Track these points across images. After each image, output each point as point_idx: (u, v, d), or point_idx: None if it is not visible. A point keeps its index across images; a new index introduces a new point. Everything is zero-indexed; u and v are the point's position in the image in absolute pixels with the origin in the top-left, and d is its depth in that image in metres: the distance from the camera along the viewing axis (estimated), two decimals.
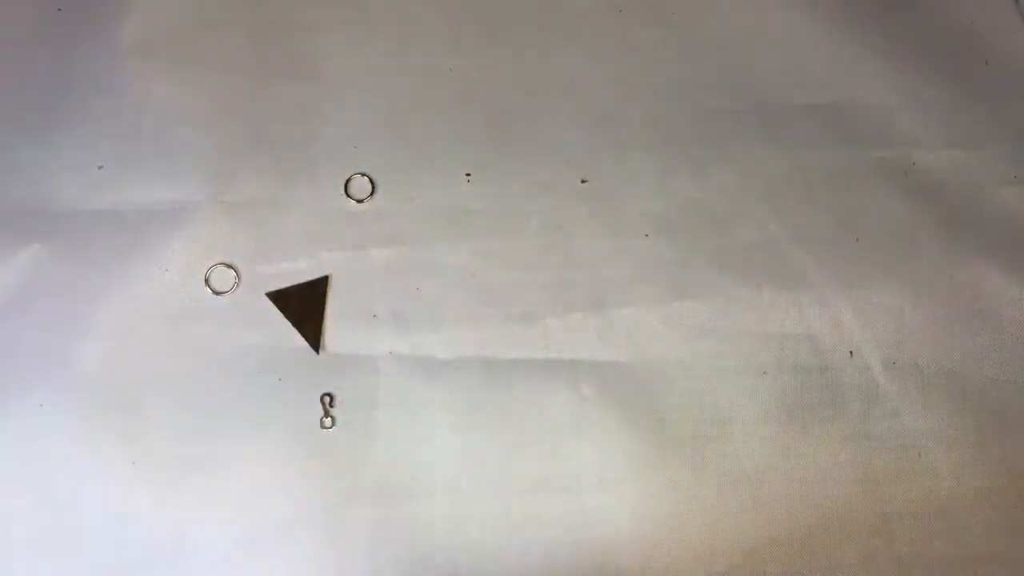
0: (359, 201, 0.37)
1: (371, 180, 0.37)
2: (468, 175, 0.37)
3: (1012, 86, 0.39)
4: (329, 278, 0.36)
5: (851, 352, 0.35)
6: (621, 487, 0.33)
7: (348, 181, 0.37)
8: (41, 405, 0.34)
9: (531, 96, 0.38)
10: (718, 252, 0.36)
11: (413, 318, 0.35)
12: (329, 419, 0.34)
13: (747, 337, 0.35)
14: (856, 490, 0.34)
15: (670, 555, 0.33)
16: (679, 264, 0.36)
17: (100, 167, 0.37)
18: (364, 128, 0.37)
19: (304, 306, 0.35)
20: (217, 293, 0.35)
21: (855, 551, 0.34)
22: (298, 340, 0.35)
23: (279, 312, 0.35)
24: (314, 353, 0.35)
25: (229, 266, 0.36)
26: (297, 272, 0.36)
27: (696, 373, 0.35)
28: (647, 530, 0.33)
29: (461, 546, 0.33)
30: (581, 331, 0.35)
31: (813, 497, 0.34)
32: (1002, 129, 0.38)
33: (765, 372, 0.35)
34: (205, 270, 0.35)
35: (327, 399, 0.34)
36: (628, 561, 0.33)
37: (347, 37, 0.38)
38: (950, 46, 0.39)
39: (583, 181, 0.37)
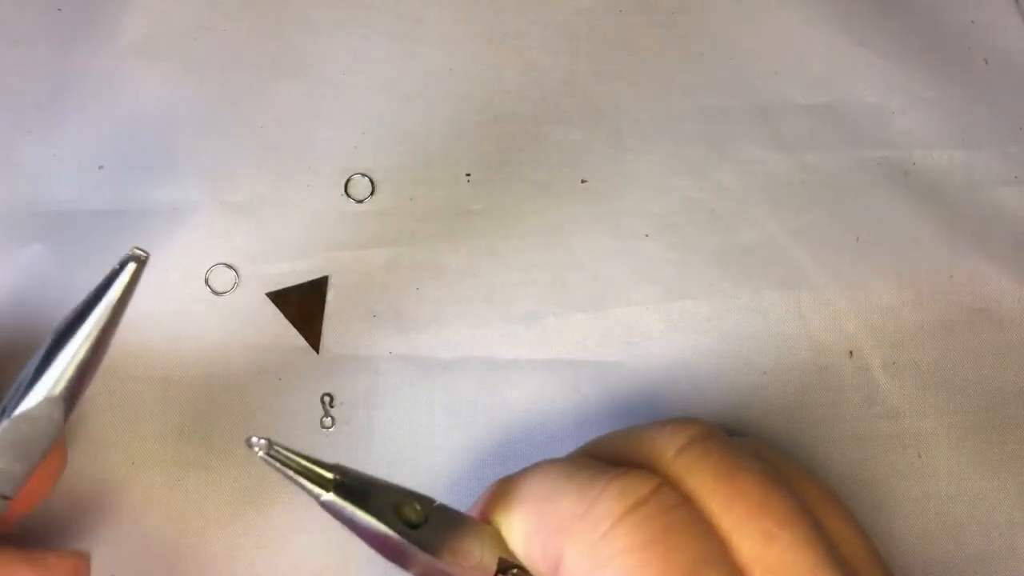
0: (359, 201, 0.37)
1: (371, 180, 0.37)
2: (468, 175, 0.37)
3: (1012, 86, 0.39)
4: (329, 278, 0.36)
5: (851, 352, 0.35)
6: None
7: (348, 181, 0.37)
8: None
9: (531, 96, 0.38)
10: (718, 252, 0.36)
11: (413, 318, 0.35)
12: (329, 419, 0.34)
13: (747, 337, 0.35)
14: (856, 490, 0.34)
15: None
16: (679, 264, 0.36)
17: (100, 167, 0.37)
18: (364, 128, 0.37)
19: (304, 306, 0.35)
20: (217, 293, 0.35)
21: None
22: (298, 340, 0.35)
23: (279, 312, 0.35)
24: (314, 353, 0.35)
25: (229, 266, 0.36)
26: (297, 272, 0.36)
27: (696, 373, 0.35)
28: None
29: None
30: (581, 331, 0.35)
31: None
32: (1002, 129, 0.38)
33: (765, 372, 0.35)
34: (205, 270, 0.35)
35: (327, 399, 0.35)
36: None
37: (347, 37, 0.38)
38: (950, 46, 0.39)
39: (583, 181, 0.37)
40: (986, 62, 0.39)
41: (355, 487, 0.24)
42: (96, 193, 0.36)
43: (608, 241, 0.36)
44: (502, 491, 0.27)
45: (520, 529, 0.26)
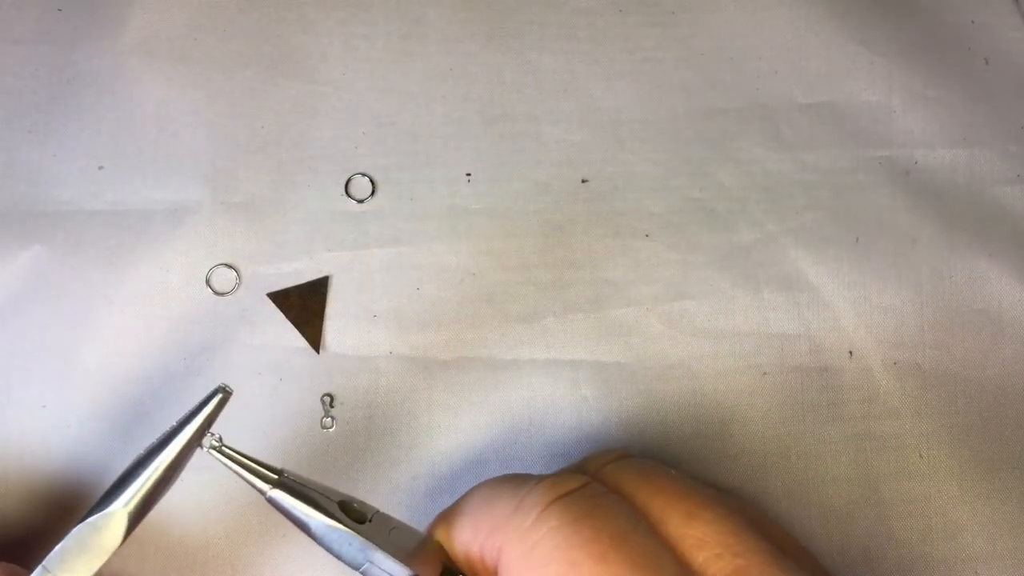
0: (359, 201, 0.37)
1: (371, 180, 0.37)
2: (468, 175, 0.37)
3: (1013, 85, 0.39)
4: (330, 278, 0.36)
5: (851, 352, 0.35)
6: None
7: (348, 181, 0.37)
8: (44, 406, 0.34)
9: (531, 96, 0.38)
10: (718, 252, 0.36)
11: (413, 318, 0.35)
12: (329, 419, 0.34)
13: (747, 337, 0.35)
14: (856, 490, 0.34)
15: None
16: (679, 264, 0.36)
17: (100, 167, 0.37)
18: (364, 128, 0.37)
19: (305, 306, 0.35)
20: (218, 294, 0.35)
21: (855, 551, 0.34)
22: (299, 340, 0.35)
23: (280, 312, 0.35)
24: (314, 353, 0.35)
25: (230, 267, 0.36)
26: (298, 272, 0.36)
27: (696, 373, 0.35)
28: None
29: None
30: (581, 331, 0.36)
31: (813, 497, 0.34)
32: (1003, 128, 0.38)
33: (765, 372, 0.35)
34: (206, 271, 0.35)
35: (327, 399, 0.35)
36: None
37: (347, 37, 0.38)
38: (951, 45, 0.39)
39: (583, 181, 0.37)
40: (986, 61, 0.39)
41: (299, 488, 0.26)
42: (96, 193, 0.36)
43: (608, 241, 0.36)
44: (443, 514, 0.28)
45: (460, 538, 0.27)
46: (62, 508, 0.33)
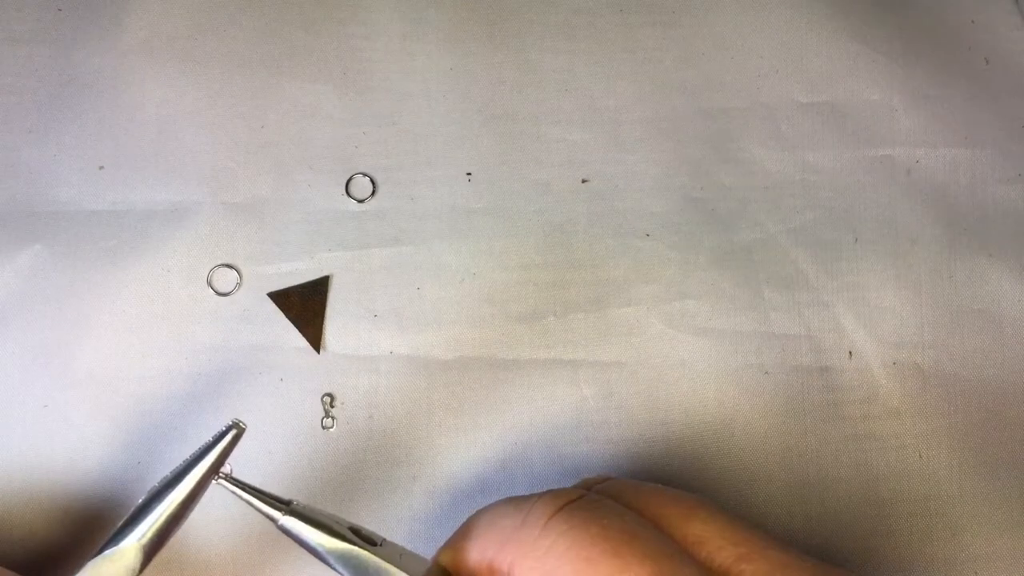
0: (360, 201, 0.37)
1: (371, 180, 0.37)
2: (468, 175, 0.37)
3: (1013, 85, 0.39)
4: (330, 278, 0.36)
5: (851, 352, 0.35)
6: None
7: (348, 181, 0.37)
8: (45, 406, 0.34)
9: (531, 96, 0.38)
10: (718, 252, 0.36)
11: (413, 318, 0.35)
12: (330, 419, 0.34)
13: (747, 337, 0.35)
14: (856, 490, 0.34)
15: None
16: (679, 264, 0.36)
17: (100, 167, 0.37)
18: (364, 128, 0.37)
19: (305, 306, 0.35)
20: (220, 294, 0.35)
21: (855, 551, 0.34)
22: (299, 340, 0.35)
23: (280, 312, 0.35)
24: (315, 353, 0.35)
25: (230, 267, 0.36)
26: (298, 272, 0.36)
27: (696, 373, 0.35)
28: None
29: None
30: (581, 331, 0.36)
31: (813, 497, 0.34)
32: (1004, 127, 0.38)
33: (767, 372, 0.35)
34: (207, 271, 0.35)
35: (327, 399, 0.35)
36: None
37: (347, 37, 0.38)
38: (951, 44, 0.39)
39: (583, 181, 0.37)
40: (987, 61, 0.39)
41: (310, 515, 0.27)
42: (96, 193, 0.36)
43: (608, 241, 0.36)
44: (448, 541, 0.28)
45: (469, 560, 0.27)
46: (63, 508, 0.33)
